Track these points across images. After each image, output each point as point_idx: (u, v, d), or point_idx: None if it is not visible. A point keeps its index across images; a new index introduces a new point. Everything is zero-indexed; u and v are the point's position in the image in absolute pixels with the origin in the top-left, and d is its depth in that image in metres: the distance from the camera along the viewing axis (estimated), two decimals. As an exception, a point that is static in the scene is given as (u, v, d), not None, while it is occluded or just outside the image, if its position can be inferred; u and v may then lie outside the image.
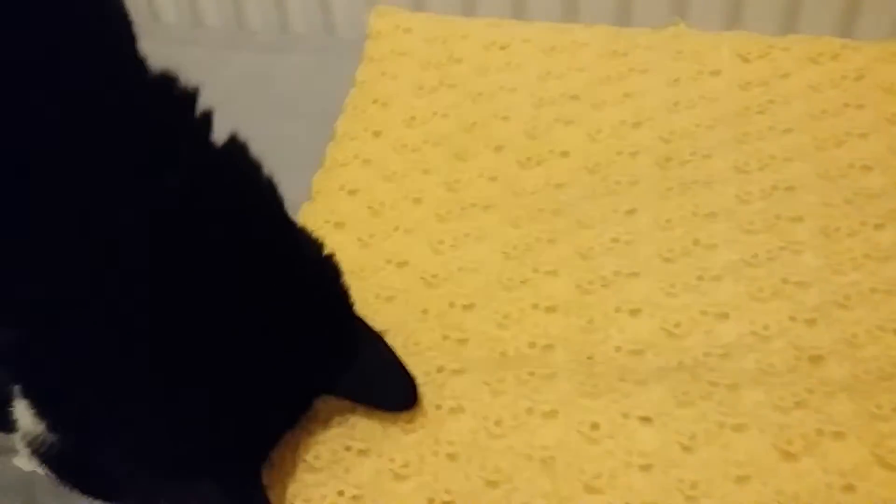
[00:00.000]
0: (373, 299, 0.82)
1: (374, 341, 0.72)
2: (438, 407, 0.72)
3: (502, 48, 1.06)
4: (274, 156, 1.00)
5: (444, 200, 0.90)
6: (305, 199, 0.95)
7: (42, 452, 0.62)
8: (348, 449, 0.71)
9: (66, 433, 0.60)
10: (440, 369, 0.75)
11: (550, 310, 0.80)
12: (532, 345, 0.77)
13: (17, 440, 0.64)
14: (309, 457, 0.70)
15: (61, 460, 0.63)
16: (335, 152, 0.96)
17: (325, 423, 0.73)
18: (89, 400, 0.57)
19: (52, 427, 0.59)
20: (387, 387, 0.72)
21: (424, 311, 0.81)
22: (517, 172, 0.93)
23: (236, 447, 0.63)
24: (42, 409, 0.59)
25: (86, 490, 0.66)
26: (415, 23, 1.09)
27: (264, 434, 0.66)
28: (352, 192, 0.92)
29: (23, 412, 0.61)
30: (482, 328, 0.79)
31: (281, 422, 0.67)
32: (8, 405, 0.62)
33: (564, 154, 0.94)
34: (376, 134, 0.97)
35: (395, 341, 0.78)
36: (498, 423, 0.71)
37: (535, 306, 0.80)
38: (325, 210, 0.90)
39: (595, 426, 0.70)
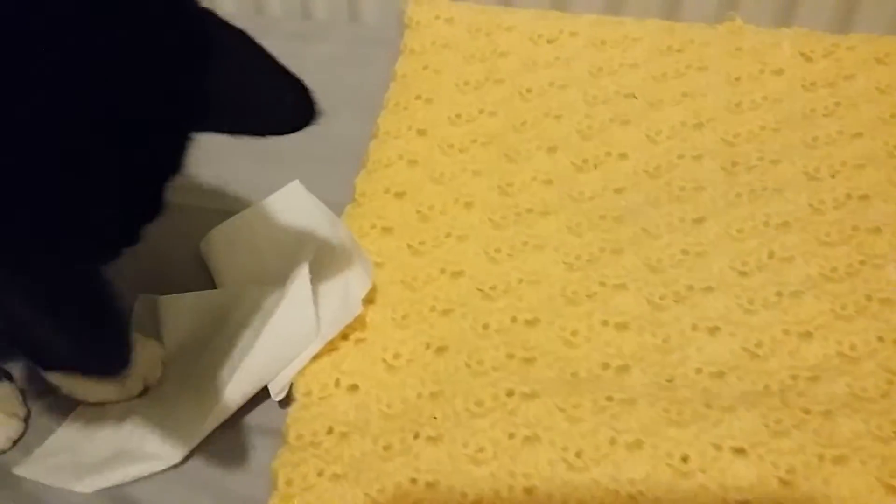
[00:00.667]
0: (428, 312, 0.76)
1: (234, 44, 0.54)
2: (511, 436, 0.67)
3: (550, 41, 0.99)
4: (310, 152, 0.94)
5: (497, 205, 0.84)
6: (347, 200, 0.88)
7: None
8: (414, 482, 0.65)
9: None
10: (510, 393, 0.69)
11: (622, 327, 0.74)
12: (605, 365, 0.72)
13: None
14: (373, 491, 0.64)
15: None
16: (378, 151, 0.89)
17: (386, 451, 0.67)
18: None
19: None
20: (267, 100, 0.56)
21: (485, 327, 0.75)
22: (573, 175, 0.87)
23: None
24: None
25: None
26: (456, 12, 1.02)
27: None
28: (398, 195, 0.85)
29: None
30: (549, 346, 0.73)
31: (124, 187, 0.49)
32: None
33: (622, 156, 0.88)
34: (421, 132, 0.91)
35: (456, 358, 0.72)
36: (579, 454, 0.65)
37: (605, 323, 0.74)
38: (371, 214, 0.83)
39: (685, 458, 0.64)
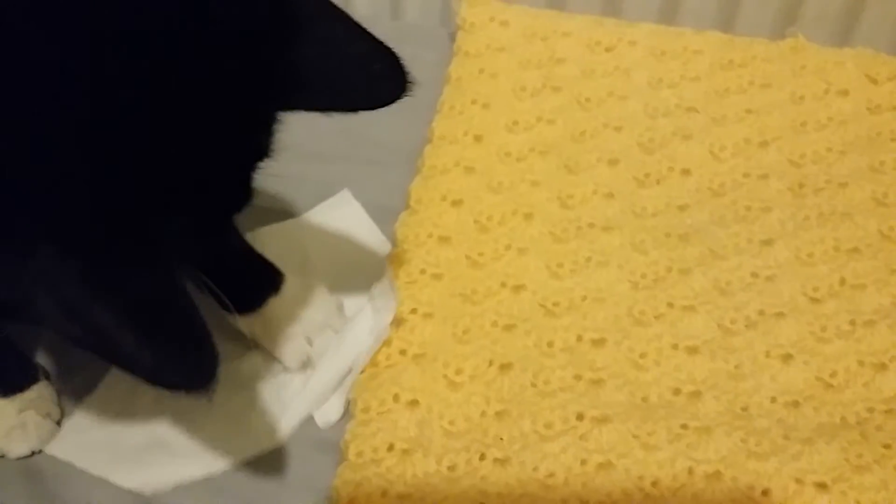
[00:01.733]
0: (490, 327, 0.74)
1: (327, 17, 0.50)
2: (584, 462, 0.64)
3: (608, 49, 0.97)
4: (360, 154, 0.91)
5: (557, 218, 0.81)
6: (399, 205, 0.85)
7: None
8: (482, 506, 0.62)
9: None
10: (580, 416, 0.67)
11: (692, 351, 0.72)
12: (676, 391, 0.69)
13: None
14: (443, 515, 0.62)
15: None
16: (433, 157, 0.86)
17: (451, 471, 0.64)
18: None
19: None
20: (358, 71, 0.52)
21: (550, 344, 0.72)
22: (635, 190, 0.84)
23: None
24: None
25: None
26: (511, 15, 0.99)
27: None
28: (455, 203, 0.83)
29: None
30: (617, 368, 0.71)
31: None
32: None
33: (685, 172, 0.86)
34: (477, 138, 0.88)
35: (522, 377, 0.70)
36: (655, 483, 0.63)
37: (675, 346, 0.72)
38: (427, 222, 0.81)
39: (766, 492, 0.62)
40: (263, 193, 0.89)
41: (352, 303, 0.77)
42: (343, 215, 0.85)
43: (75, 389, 0.74)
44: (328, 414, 0.71)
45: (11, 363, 0.71)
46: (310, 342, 0.72)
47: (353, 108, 0.55)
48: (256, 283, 0.72)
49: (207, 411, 0.71)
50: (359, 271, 0.79)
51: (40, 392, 0.71)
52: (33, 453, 0.70)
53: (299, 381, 0.72)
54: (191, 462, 0.69)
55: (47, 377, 0.73)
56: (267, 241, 0.79)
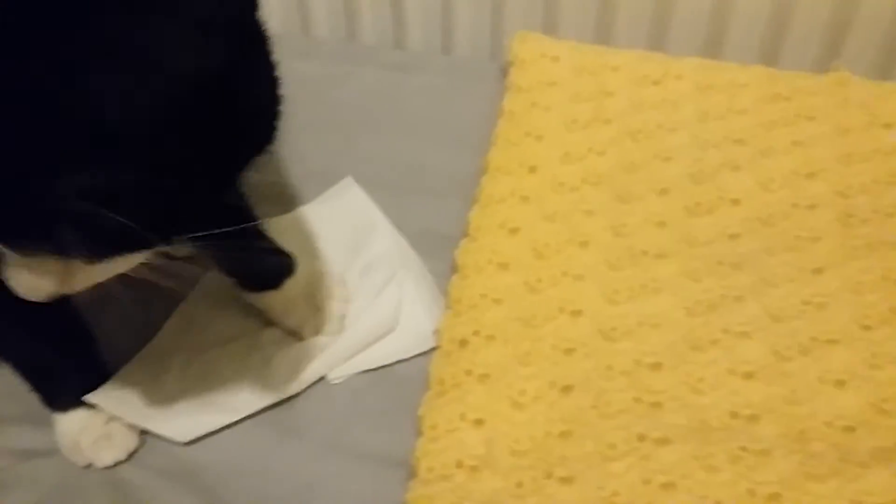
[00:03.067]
0: (550, 350, 0.76)
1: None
2: (647, 482, 0.66)
3: (655, 83, 1.00)
4: (416, 184, 0.95)
5: (612, 246, 0.84)
6: (456, 233, 0.89)
7: None
8: (550, 522, 0.64)
9: None
10: (641, 437, 0.69)
11: (748, 376, 0.74)
12: (734, 415, 0.71)
13: None
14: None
15: None
16: (490, 187, 0.90)
17: (519, 488, 0.67)
18: None
19: None
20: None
21: (609, 368, 0.75)
22: (686, 219, 0.87)
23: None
24: None
25: None
26: (561, 51, 1.03)
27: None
28: (513, 231, 0.86)
29: None
30: (676, 392, 0.73)
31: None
32: None
33: (735, 202, 0.88)
34: (532, 169, 0.91)
35: (583, 399, 0.72)
36: None
37: (731, 371, 0.74)
38: (486, 249, 0.84)
39: (825, 513, 0.64)
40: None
41: (354, 277, 0.85)
42: (347, 200, 0.91)
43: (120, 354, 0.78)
44: (338, 370, 0.78)
45: (97, 374, 0.74)
46: (320, 315, 0.81)
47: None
48: (274, 268, 0.80)
49: (232, 367, 0.77)
50: (363, 250, 0.87)
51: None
52: (117, 464, 0.73)
53: (316, 346, 0.79)
54: (219, 411, 0.75)
55: None
56: (279, 229, 0.85)
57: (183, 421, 0.74)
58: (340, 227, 0.89)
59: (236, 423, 0.76)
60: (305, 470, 0.73)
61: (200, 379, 0.76)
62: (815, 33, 1.09)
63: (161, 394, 0.75)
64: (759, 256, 0.83)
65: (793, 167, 0.91)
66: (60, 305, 0.64)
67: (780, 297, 0.80)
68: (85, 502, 0.71)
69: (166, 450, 0.74)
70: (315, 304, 0.81)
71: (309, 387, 0.78)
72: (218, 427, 0.75)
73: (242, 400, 0.76)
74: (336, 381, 0.78)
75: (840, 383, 0.74)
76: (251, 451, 0.74)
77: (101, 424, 0.72)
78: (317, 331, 0.80)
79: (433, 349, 0.79)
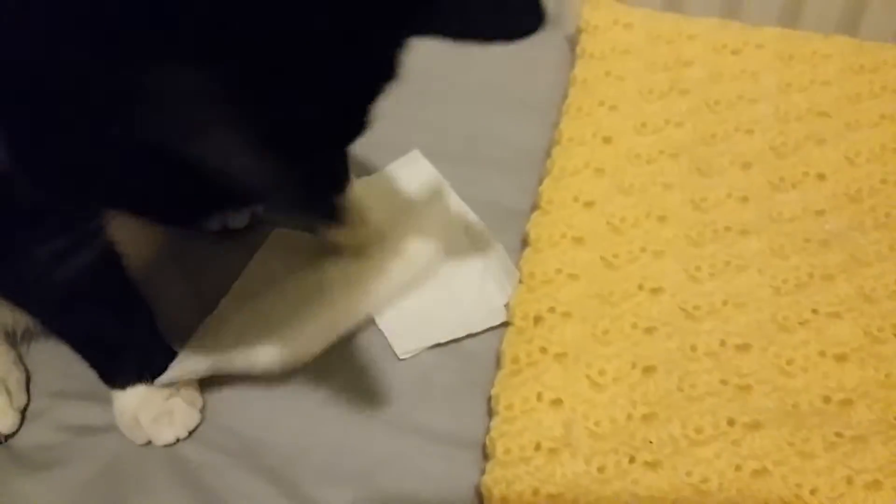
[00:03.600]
0: (630, 329, 0.73)
1: None
2: (738, 468, 0.63)
3: (734, 53, 0.96)
4: (484, 154, 0.92)
5: (692, 221, 0.81)
6: (525, 207, 0.85)
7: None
8: (636, 508, 0.62)
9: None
10: (731, 422, 0.66)
11: (840, 358, 0.71)
12: (827, 399, 0.68)
13: None
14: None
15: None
16: (563, 159, 0.86)
17: (601, 473, 0.64)
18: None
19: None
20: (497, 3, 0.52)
21: (693, 349, 0.71)
22: (770, 194, 0.83)
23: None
24: None
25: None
26: (634, 18, 0.99)
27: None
28: (588, 205, 0.82)
29: None
30: (764, 374, 0.70)
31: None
32: None
33: (821, 177, 0.84)
34: (606, 140, 0.88)
35: (666, 380, 0.69)
36: (814, 492, 0.61)
37: (822, 353, 0.71)
38: (560, 223, 0.81)
39: (930, 504, 0.60)
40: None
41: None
42: (414, 173, 0.88)
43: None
44: (406, 345, 0.76)
45: (156, 349, 0.72)
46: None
47: (488, 37, 0.54)
48: None
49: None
50: (427, 223, 0.82)
51: (188, 381, 0.72)
52: (178, 440, 0.71)
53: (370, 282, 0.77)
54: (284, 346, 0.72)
55: None
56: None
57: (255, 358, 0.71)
58: (406, 199, 0.86)
59: (302, 396, 0.74)
60: (374, 448, 0.71)
61: (263, 320, 0.74)
62: (898, 2, 1.03)
63: (228, 339, 0.73)
64: (848, 234, 0.80)
65: (881, 141, 0.87)
66: (121, 282, 0.62)
67: (871, 276, 0.76)
68: (144, 480, 0.69)
69: (229, 428, 0.72)
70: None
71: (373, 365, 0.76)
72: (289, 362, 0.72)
73: (308, 336, 0.73)
74: (405, 357, 0.75)
75: (940, 368, 0.69)
76: (317, 430, 0.73)
77: (162, 401, 0.70)
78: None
79: (503, 325, 0.77)
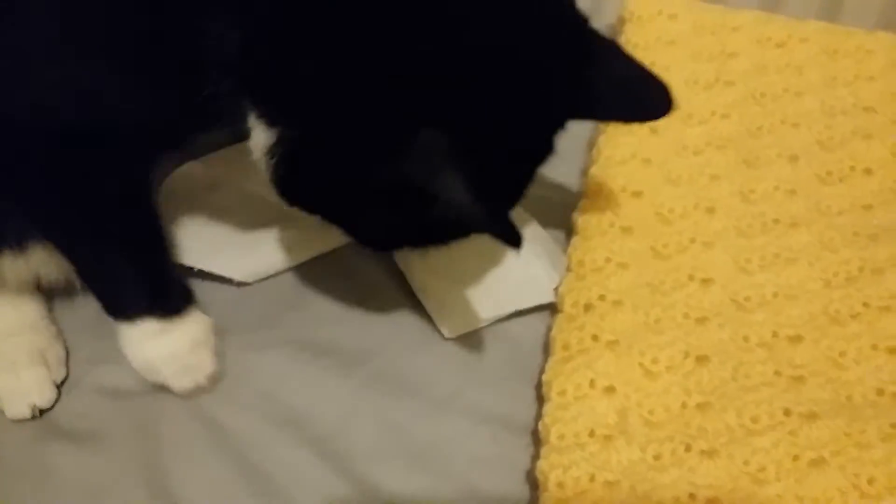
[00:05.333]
0: (681, 318, 0.73)
1: (610, 48, 0.67)
2: (796, 458, 0.63)
3: (779, 46, 0.96)
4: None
5: (741, 212, 0.81)
6: (571, 196, 0.85)
7: (276, 164, 0.62)
8: (692, 497, 0.62)
9: (299, 127, 0.60)
10: (787, 412, 0.66)
11: (893, 351, 0.71)
12: (881, 392, 0.68)
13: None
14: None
15: (293, 168, 0.61)
16: (609, 148, 0.86)
17: (657, 461, 0.64)
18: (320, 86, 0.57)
19: (285, 123, 0.59)
20: (636, 94, 0.68)
21: (745, 339, 0.72)
22: (818, 187, 0.83)
23: None
24: (273, 111, 0.60)
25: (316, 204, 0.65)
26: (678, 9, 0.99)
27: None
28: (636, 195, 0.82)
29: (257, 131, 0.61)
30: (818, 366, 0.70)
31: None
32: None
33: (867, 171, 0.84)
34: (653, 130, 0.88)
35: (720, 370, 0.69)
36: (871, 481, 0.62)
37: (874, 346, 0.71)
38: (608, 212, 0.81)
39: None
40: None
41: None
42: None
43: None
44: (452, 324, 0.77)
45: (171, 284, 0.72)
46: None
47: (633, 118, 0.74)
48: None
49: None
50: None
51: (203, 325, 0.72)
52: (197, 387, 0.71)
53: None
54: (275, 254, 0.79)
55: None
56: None
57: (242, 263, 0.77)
58: None
59: (346, 372, 0.74)
60: (422, 429, 0.72)
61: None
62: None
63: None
64: (897, 229, 0.79)
65: (929, 137, 0.86)
66: (154, 215, 0.67)
67: (922, 271, 0.76)
68: (185, 448, 0.69)
69: (271, 395, 0.72)
70: None
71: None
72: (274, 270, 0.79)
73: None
74: (451, 337, 0.75)
75: None
76: (363, 406, 0.73)
77: (187, 353, 0.71)
78: None
79: (549, 310, 0.77)
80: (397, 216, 0.62)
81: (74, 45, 0.58)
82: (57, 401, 0.73)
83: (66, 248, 0.68)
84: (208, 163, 0.83)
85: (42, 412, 0.72)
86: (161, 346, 0.70)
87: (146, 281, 0.70)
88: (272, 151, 0.61)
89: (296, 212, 0.67)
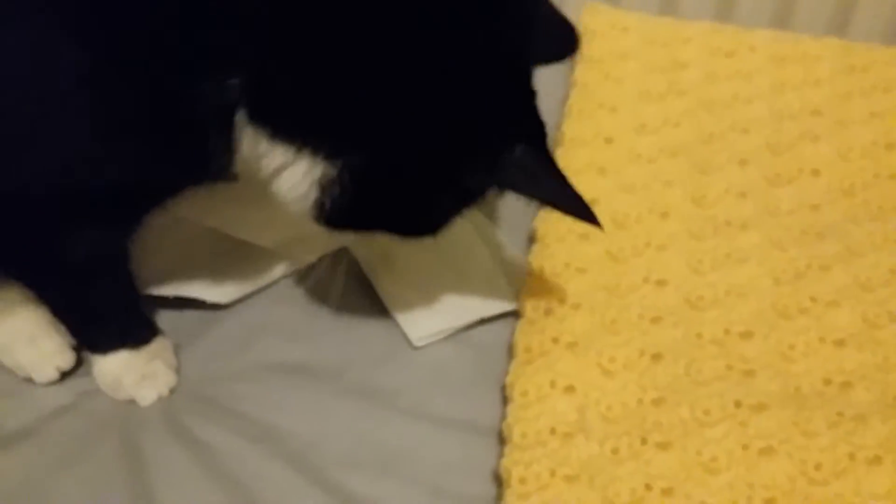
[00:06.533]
0: (637, 319, 0.76)
1: None
2: (745, 447, 0.66)
3: (728, 55, 0.99)
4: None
5: (693, 216, 0.84)
6: (534, 205, 0.88)
7: (331, 194, 0.61)
8: (649, 488, 0.65)
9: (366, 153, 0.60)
10: (737, 404, 0.69)
11: (839, 343, 0.74)
12: (828, 382, 0.71)
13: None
14: (610, 494, 0.64)
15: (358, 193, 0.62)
16: (566, 158, 0.90)
17: (615, 454, 0.67)
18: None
19: (346, 152, 0.60)
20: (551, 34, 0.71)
21: (698, 336, 0.75)
22: (768, 190, 0.86)
23: None
24: (324, 142, 0.59)
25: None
26: (630, 23, 1.02)
27: None
28: (592, 202, 0.84)
29: (294, 168, 0.61)
30: (767, 360, 0.73)
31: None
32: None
33: (815, 173, 0.88)
34: (608, 141, 0.91)
35: (674, 366, 0.72)
36: (818, 467, 0.64)
37: (822, 339, 0.74)
38: (566, 220, 0.82)
39: (928, 477, 0.63)
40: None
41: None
42: None
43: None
44: (419, 331, 0.79)
45: (139, 320, 0.77)
46: None
47: (554, 59, 0.72)
48: None
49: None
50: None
51: (163, 344, 0.77)
52: (159, 398, 0.75)
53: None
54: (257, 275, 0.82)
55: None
56: None
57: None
58: None
59: (319, 388, 0.77)
60: (395, 436, 0.74)
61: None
62: (885, 5, 1.07)
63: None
64: (844, 226, 0.83)
65: (872, 138, 0.91)
66: (123, 261, 0.69)
67: (867, 265, 0.79)
68: (168, 467, 0.71)
69: (248, 415, 0.75)
70: None
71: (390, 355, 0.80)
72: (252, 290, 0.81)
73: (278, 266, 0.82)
74: (420, 345, 0.78)
75: (934, 351, 0.73)
76: (336, 418, 0.75)
77: (144, 364, 0.74)
78: None
79: (513, 316, 0.79)
80: (463, 204, 0.67)
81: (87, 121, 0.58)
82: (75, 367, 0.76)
83: (42, 294, 0.72)
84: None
85: (64, 374, 0.76)
86: (132, 372, 0.74)
87: (118, 321, 0.75)
88: (325, 182, 0.61)
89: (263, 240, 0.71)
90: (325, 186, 0.60)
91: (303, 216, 0.64)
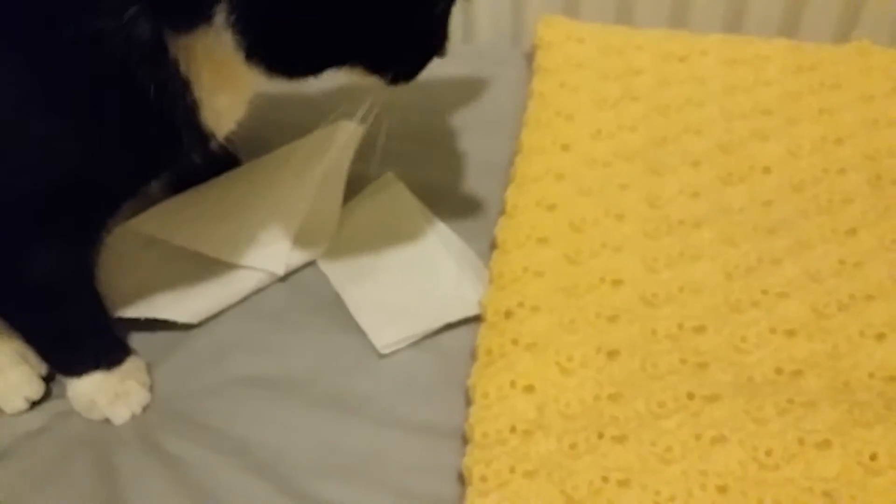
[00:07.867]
0: (594, 318, 0.78)
1: None
2: (698, 437, 0.68)
3: (681, 60, 1.02)
4: (447, 167, 0.97)
5: (648, 217, 0.86)
6: (493, 214, 0.91)
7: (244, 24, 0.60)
8: (605, 480, 0.67)
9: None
10: (690, 395, 0.71)
11: (790, 334, 0.76)
12: (779, 371, 0.73)
13: None
14: (567, 488, 0.66)
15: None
16: (525, 166, 0.92)
17: (573, 449, 0.69)
18: None
19: None
20: None
21: (653, 332, 0.77)
22: (720, 188, 0.89)
23: None
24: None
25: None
26: (585, 33, 1.05)
27: None
28: (550, 208, 0.88)
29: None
30: (720, 352, 0.75)
31: None
32: None
33: (766, 170, 0.90)
34: (564, 147, 0.94)
35: (630, 362, 0.74)
36: (769, 452, 0.67)
37: (773, 330, 0.76)
38: (525, 225, 0.86)
39: (874, 457, 0.66)
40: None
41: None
42: (389, 196, 0.93)
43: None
44: (385, 338, 0.81)
45: (110, 341, 0.79)
46: None
47: None
48: None
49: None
50: (405, 244, 0.89)
51: (137, 364, 0.79)
52: (133, 416, 0.77)
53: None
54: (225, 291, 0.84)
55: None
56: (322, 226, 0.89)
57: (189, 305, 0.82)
58: (383, 223, 0.91)
59: (289, 400, 0.78)
60: (363, 443, 0.75)
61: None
62: (834, 5, 1.10)
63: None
64: (794, 220, 0.85)
65: (821, 134, 0.93)
66: (90, 284, 0.70)
67: (816, 257, 0.81)
68: (142, 483, 0.73)
69: (218, 429, 0.76)
70: None
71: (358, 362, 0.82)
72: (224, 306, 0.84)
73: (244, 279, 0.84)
74: (386, 352, 0.80)
75: (881, 336, 0.75)
76: (304, 429, 0.77)
77: (117, 383, 0.76)
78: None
79: (477, 321, 0.82)
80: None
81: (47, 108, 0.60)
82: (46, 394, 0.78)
83: (10, 320, 0.74)
84: (141, 221, 0.88)
85: (34, 404, 0.78)
86: (106, 392, 0.76)
87: (90, 344, 0.77)
88: (231, 14, 0.59)
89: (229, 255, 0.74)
90: (233, 24, 0.59)
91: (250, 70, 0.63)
